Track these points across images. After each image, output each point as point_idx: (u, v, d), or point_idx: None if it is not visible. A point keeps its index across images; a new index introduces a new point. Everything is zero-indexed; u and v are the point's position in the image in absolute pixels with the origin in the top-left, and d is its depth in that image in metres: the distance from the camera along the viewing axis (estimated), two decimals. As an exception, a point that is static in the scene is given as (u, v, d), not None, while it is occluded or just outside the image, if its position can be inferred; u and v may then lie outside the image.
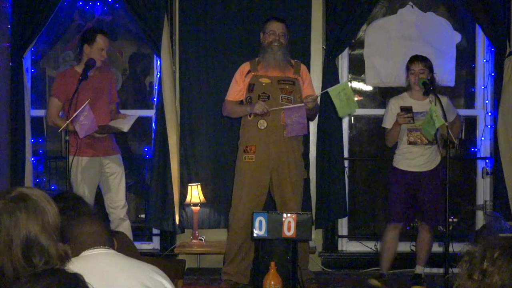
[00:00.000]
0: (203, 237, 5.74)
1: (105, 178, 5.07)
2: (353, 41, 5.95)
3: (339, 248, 5.97)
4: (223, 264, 5.15)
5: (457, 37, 5.96)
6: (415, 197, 5.06)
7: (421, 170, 5.01)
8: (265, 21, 5.14)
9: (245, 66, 5.08)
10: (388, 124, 5.08)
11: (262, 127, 4.91)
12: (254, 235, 4.45)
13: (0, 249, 1.89)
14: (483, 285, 1.79)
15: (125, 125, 4.97)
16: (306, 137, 5.63)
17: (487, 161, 5.91)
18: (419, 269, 5.18)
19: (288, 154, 4.94)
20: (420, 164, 5.00)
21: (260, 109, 4.84)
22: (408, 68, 5.06)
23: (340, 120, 5.71)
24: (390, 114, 5.06)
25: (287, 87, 4.96)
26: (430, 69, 5.02)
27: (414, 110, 4.92)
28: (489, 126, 5.91)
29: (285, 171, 4.94)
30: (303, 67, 5.10)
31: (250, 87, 4.98)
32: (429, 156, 5.00)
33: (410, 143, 5.00)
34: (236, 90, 5.04)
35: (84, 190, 4.88)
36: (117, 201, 5.09)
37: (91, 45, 4.96)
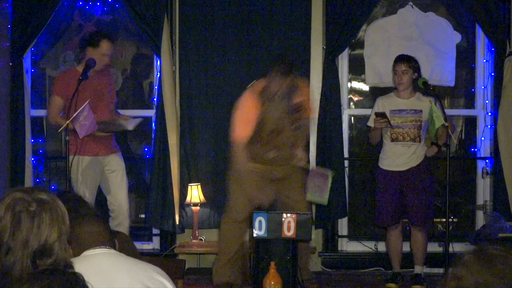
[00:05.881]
0: (203, 237, 5.74)
1: (106, 177, 5.07)
2: (353, 41, 5.95)
3: (339, 248, 5.96)
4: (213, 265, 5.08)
5: (457, 37, 5.96)
6: (402, 196, 5.08)
7: (404, 169, 5.04)
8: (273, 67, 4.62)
9: (254, 96, 4.64)
10: (371, 123, 5.15)
11: (271, 156, 4.76)
12: (254, 235, 4.44)
13: (15, 247, 1.89)
14: None
15: (130, 124, 4.98)
16: (306, 137, 5.62)
17: (487, 161, 5.91)
18: (418, 269, 5.18)
19: (294, 176, 4.85)
20: (403, 163, 5.05)
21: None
22: (393, 68, 5.13)
23: (340, 120, 5.72)
24: (373, 114, 5.11)
25: (295, 115, 4.71)
26: (415, 69, 5.08)
27: (400, 108, 5.04)
28: (489, 126, 5.91)
29: (290, 190, 4.85)
30: (303, 85, 4.81)
31: (259, 122, 4.64)
32: (412, 155, 5.04)
33: (392, 140, 5.06)
34: (251, 119, 4.59)
35: (85, 190, 4.88)
36: (119, 200, 5.09)
37: (95, 48, 4.95)
